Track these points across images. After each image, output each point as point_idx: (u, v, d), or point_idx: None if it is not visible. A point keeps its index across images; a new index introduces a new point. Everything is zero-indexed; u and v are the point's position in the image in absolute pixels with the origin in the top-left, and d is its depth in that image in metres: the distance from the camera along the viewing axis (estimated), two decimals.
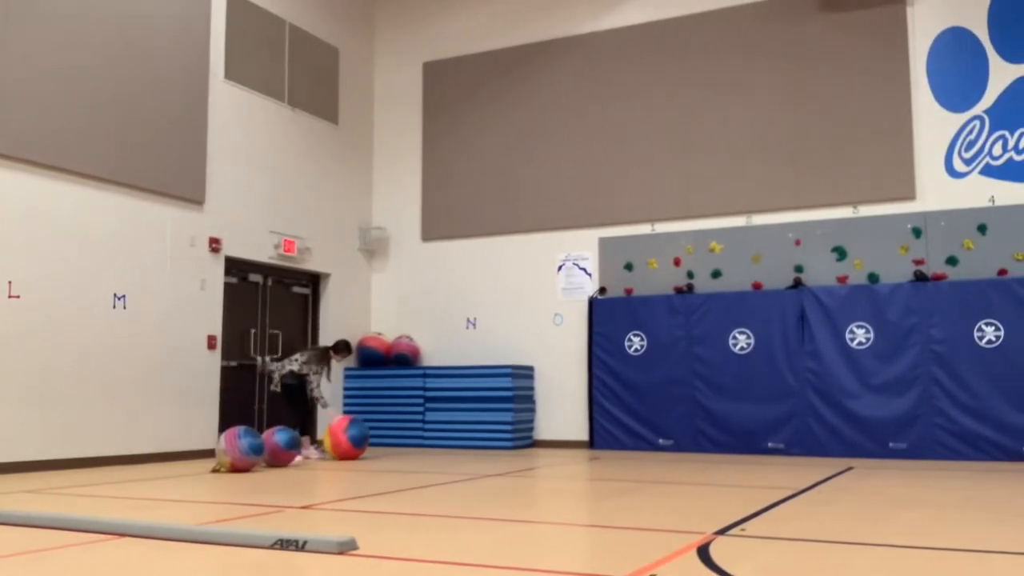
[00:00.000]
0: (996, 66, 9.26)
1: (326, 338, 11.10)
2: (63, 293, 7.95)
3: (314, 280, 11.32)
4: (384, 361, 11.28)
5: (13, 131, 7.60)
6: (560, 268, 10.95)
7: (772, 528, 4.38)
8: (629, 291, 10.48)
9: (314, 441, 9.27)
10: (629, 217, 10.62)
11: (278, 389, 9.11)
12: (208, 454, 8.91)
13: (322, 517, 4.91)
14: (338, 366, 10.69)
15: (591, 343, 10.47)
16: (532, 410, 10.81)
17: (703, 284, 10.15)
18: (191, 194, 9.28)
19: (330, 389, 9.38)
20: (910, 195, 9.42)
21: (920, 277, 9.18)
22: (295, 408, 9.17)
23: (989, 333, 8.77)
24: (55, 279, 7.89)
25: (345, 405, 11.21)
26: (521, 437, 10.51)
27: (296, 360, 9.06)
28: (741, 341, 9.75)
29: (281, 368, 9.08)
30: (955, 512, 5.02)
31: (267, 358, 9.25)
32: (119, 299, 8.46)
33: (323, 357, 9.25)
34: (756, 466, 8.09)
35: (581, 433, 10.52)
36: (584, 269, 10.82)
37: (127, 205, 8.62)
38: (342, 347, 9.39)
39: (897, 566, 3.44)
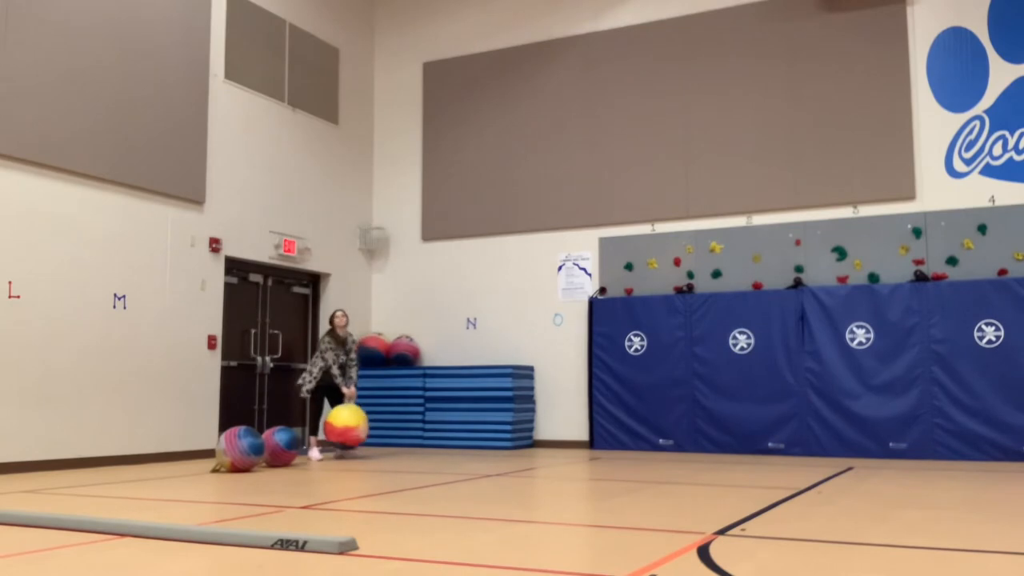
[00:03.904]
0: (996, 66, 9.26)
1: None
2: (63, 293, 7.95)
3: (314, 280, 11.32)
4: (384, 361, 11.28)
5: (14, 131, 7.60)
6: (560, 268, 10.95)
7: (772, 528, 4.38)
8: (629, 291, 10.48)
9: (320, 442, 9.28)
10: (629, 217, 10.62)
11: (307, 395, 9.26)
12: (208, 454, 8.91)
13: (322, 517, 4.91)
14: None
15: (591, 343, 10.47)
16: (532, 410, 10.81)
17: (703, 284, 10.15)
18: (191, 194, 9.28)
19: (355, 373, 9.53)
20: (910, 195, 9.42)
21: (920, 277, 9.18)
22: (333, 402, 9.31)
23: (989, 333, 8.77)
24: (55, 279, 7.89)
25: None
26: (521, 437, 10.51)
27: (314, 363, 9.23)
28: (741, 341, 9.75)
29: (309, 375, 9.23)
30: (955, 512, 5.01)
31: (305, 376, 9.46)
32: (119, 299, 8.46)
33: (332, 336, 9.31)
34: (756, 466, 8.09)
35: (581, 433, 10.52)
36: (584, 269, 10.82)
37: (127, 205, 8.62)
38: (333, 315, 9.44)
39: (897, 566, 3.44)
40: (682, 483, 6.63)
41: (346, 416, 8.81)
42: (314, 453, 9.02)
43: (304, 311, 11.20)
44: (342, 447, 9.06)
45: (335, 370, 9.10)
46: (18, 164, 7.67)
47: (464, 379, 10.66)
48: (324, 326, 11.17)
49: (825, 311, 9.41)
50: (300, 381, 9.29)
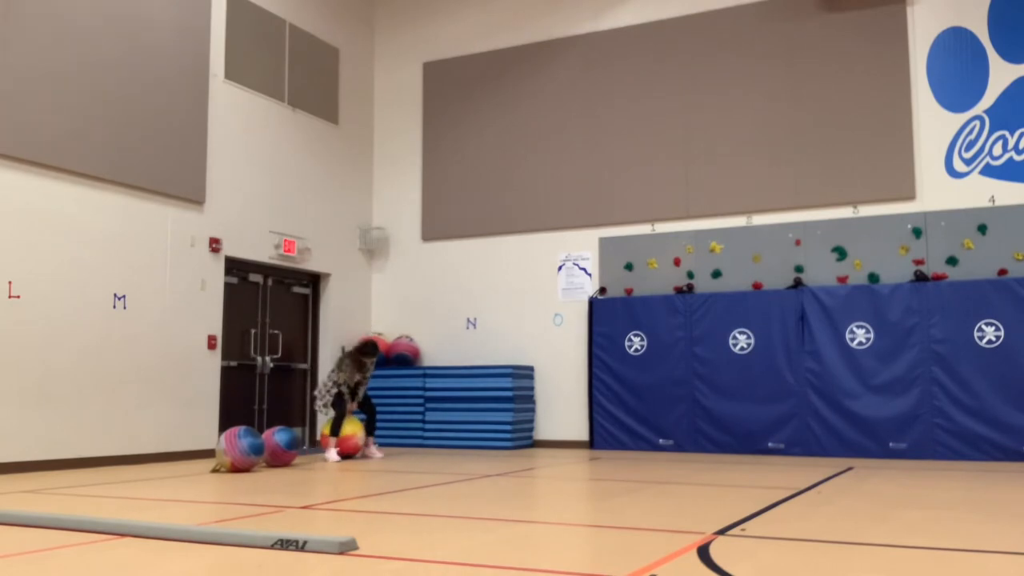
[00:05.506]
0: (996, 66, 9.26)
1: (326, 339, 11.12)
2: (63, 293, 7.95)
3: (314, 280, 11.32)
4: (384, 361, 11.27)
5: (13, 131, 7.60)
6: (560, 268, 10.95)
7: (772, 528, 4.38)
8: (629, 291, 10.48)
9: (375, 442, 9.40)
10: (629, 217, 10.61)
11: (326, 409, 9.19)
12: (208, 454, 8.91)
13: (322, 517, 4.91)
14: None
15: (591, 343, 10.47)
16: (532, 410, 10.81)
17: (703, 284, 10.15)
18: (191, 194, 9.28)
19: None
20: (910, 195, 9.42)
21: (920, 277, 9.18)
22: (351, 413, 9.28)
23: (989, 333, 8.77)
24: (55, 279, 7.89)
25: None
26: (521, 437, 10.51)
27: (331, 377, 9.16)
28: (741, 341, 9.75)
29: (328, 388, 9.16)
30: (955, 512, 5.01)
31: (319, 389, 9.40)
32: (119, 299, 8.46)
33: (356, 363, 9.18)
34: (756, 466, 8.09)
35: (581, 433, 10.51)
36: (584, 269, 10.82)
37: (127, 205, 8.62)
38: (370, 350, 9.23)
39: (897, 566, 3.44)
40: (682, 483, 6.63)
41: (344, 426, 8.97)
42: (331, 454, 8.94)
43: (304, 311, 11.19)
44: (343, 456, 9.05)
45: (344, 388, 9.07)
46: (18, 164, 7.66)
47: (464, 379, 10.66)
48: (324, 326, 11.20)
49: (825, 311, 9.41)
50: (316, 394, 9.44)
